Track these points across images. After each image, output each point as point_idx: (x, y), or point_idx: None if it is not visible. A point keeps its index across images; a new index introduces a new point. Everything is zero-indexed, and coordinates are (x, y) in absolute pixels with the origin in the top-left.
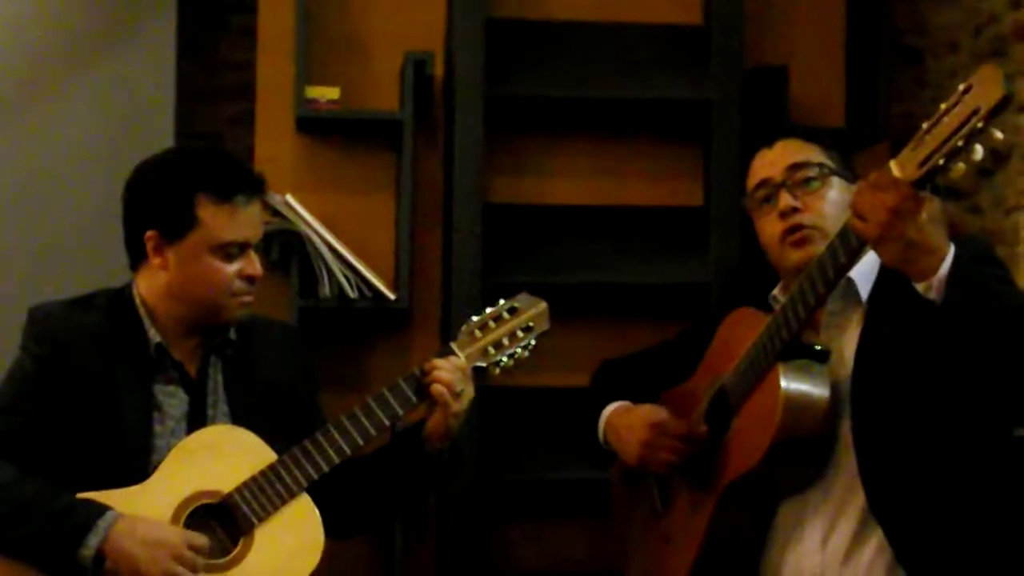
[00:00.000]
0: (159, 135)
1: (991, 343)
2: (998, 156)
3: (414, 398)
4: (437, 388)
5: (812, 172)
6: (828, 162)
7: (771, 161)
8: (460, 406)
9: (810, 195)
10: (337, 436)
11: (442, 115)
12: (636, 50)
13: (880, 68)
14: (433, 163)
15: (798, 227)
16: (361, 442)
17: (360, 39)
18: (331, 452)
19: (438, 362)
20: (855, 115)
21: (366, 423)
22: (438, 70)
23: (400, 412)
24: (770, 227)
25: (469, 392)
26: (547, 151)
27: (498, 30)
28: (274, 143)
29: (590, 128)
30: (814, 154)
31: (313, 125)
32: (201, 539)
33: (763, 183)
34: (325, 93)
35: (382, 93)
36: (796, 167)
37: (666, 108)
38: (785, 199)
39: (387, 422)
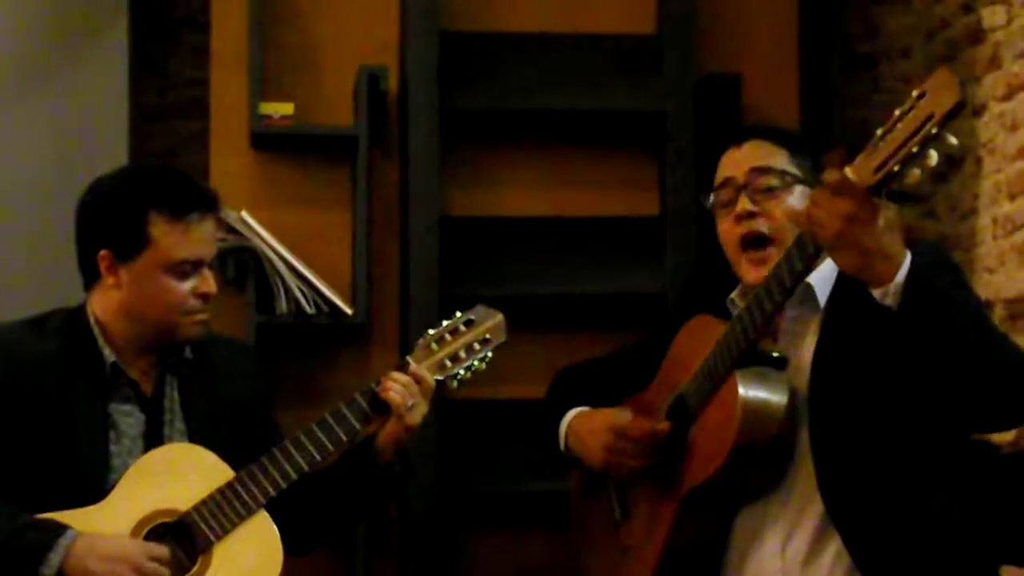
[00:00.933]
0: (113, 154)
1: (948, 349)
2: (952, 161)
3: (370, 412)
4: (392, 396)
5: (775, 180)
6: (793, 169)
7: (737, 161)
8: (413, 419)
9: (769, 201)
10: (294, 452)
11: (397, 129)
12: (589, 60)
13: (833, 74)
14: (388, 177)
15: (755, 236)
16: (319, 458)
17: (313, 54)
18: (288, 468)
19: (394, 374)
20: (809, 122)
21: (323, 439)
22: (392, 84)
23: (357, 427)
24: (727, 228)
25: (422, 407)
26: (502, 163)
27: (451, 43)
28: (229, 160)
29: (545, 139)
30: (780, 160)
31: (268, 141)
32: (161, 549)
33: (726, 182)
34: (279, 109)
35: (336, 108)
36: (759, 171)
37: (620, 118)
38: (743, 203)
39: (344, 438)
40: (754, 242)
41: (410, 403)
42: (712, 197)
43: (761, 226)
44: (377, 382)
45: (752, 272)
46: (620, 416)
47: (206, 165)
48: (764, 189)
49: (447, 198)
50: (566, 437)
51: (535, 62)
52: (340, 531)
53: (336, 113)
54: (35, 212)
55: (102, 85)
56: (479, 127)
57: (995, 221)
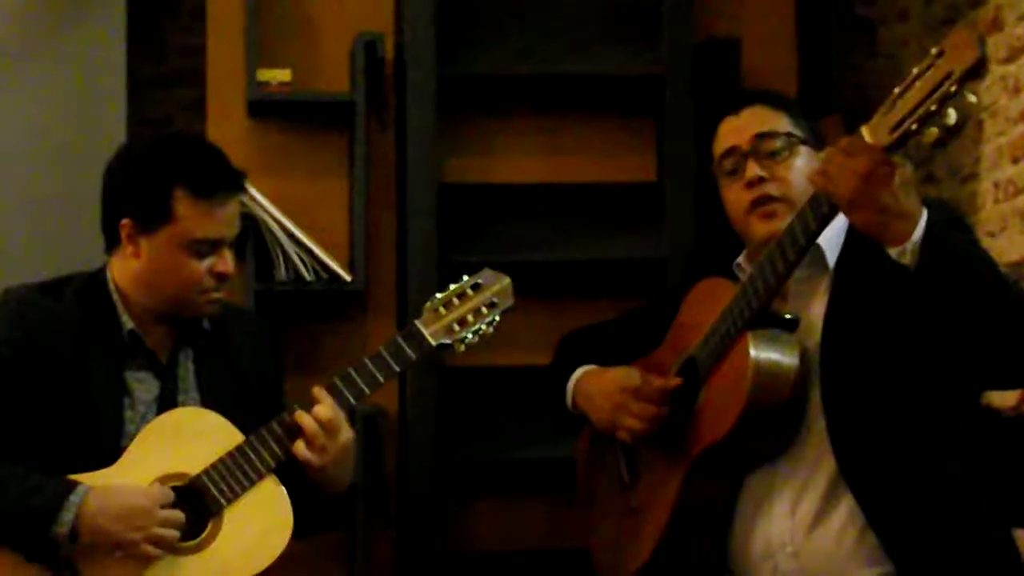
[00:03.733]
0: (111, 122)
1: (967, 305)
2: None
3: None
4: (298, 447)
5: (779, 142)
6: (796, 131)
7: (738, 129)
8: (322, 459)
9: (777, 165)
10: None
11: (394, 96)
12: (587, 25)
13: (832, 39)
14: (386, 144)
15: (765, 198)
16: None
17: (310, 21)
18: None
19: (300, 419)
20: (807, 86)
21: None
22: (389, 51)
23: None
24: (736, 196)
25: (339, 442)
26: (500, 130)
27: (448, 9)
28: (226, 127)
29: (543, 106)
30: (781, 123)
31: (265, 108)
32: (168, 493)
33: (730, 151)
34: (276, 76)
35: (333, 75)
36: (763, 136)
37: (618, 83)
38: (752, 169)
39: (352, 401)
40: (763, 203)
41: (320, 443)
42: (714, 168)
43: (772, 190)
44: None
45: (761, 226)
46: (630, 374)
47: (203, 133)
48: (770, 153)
49: (445, 165)
50: (574, 396)
51: (532, 27)
52: (324, 524)
53: (333, 80)
54: (35, 180)
55: (100, 54)
56: (476, 93)
57: (997, 185)
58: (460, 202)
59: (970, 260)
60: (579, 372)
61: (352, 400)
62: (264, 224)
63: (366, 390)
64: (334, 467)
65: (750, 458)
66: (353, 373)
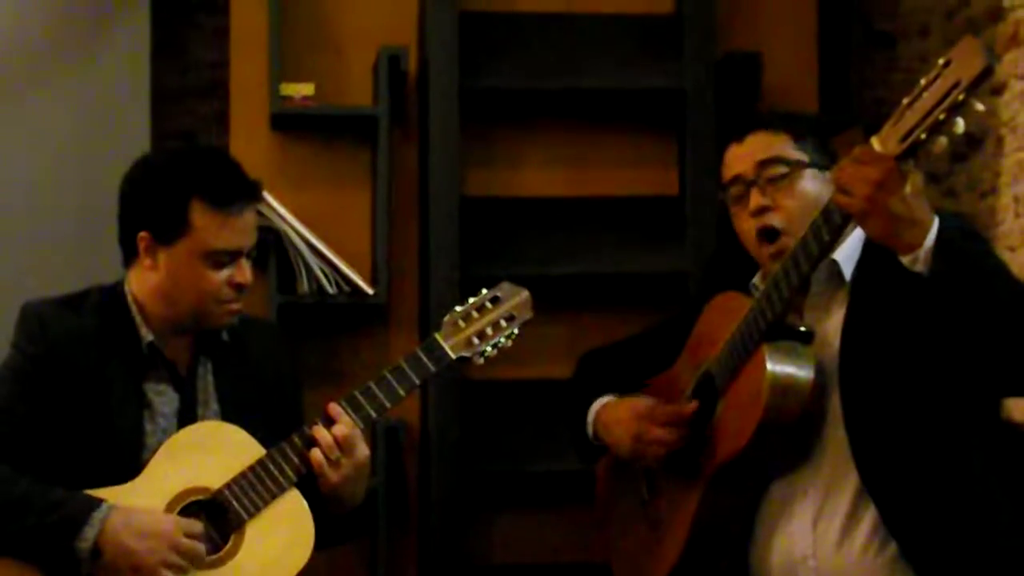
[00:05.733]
0: (135, 135)
1: (979, 312)
2: (972, 140)
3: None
4: (315, 456)
5: (782, 169)
6: (798, 155)
7: (741, 156)
8: (338, 475)
9: (780, 192)
10: None
11: (416, 109)
12: (609, 40)
13: (852, 53)
14: (409, 157)
15: (770, 231)
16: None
17: (333, 35)
18: None
19: (318, 433)
20: (828, 100)
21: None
22: (412, 65)
23: (388, 404)
24: (746, 224)
25: (355, 459)
26: (522, 143)
27: (471, 23)
28: (249, 141)
29: (565, 119)
30: (784, 147)
31: (288, 122)
32: (196, 525)
33: (735, 179)
34: (300, 90)
35: (356, 88)
36: (765, 163)
37: (640, 97)
38: (755, 198)
39: (373, 414)
40: (767, 235)
41: (335, 457)
42: (723, 195)
43: (773, 220)
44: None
45: (772, 264)
46: (645, 403)
47: (226, 147)
48: (773, 179)
49: (467, 178)
50: (594, 428)
51: (555, 41)
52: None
53: (356, 94)
54: (59, 193)
55: (124, 67)
56: (499, 107)
57: (1017, 199)
58: (482, 215)
59: (983, 266)
60: (597, 405)
61: (373, 414)
62: (287, 237)
63: (387, 403)
64: (347, 484)
65: (768, 471)
66: (374, 387)
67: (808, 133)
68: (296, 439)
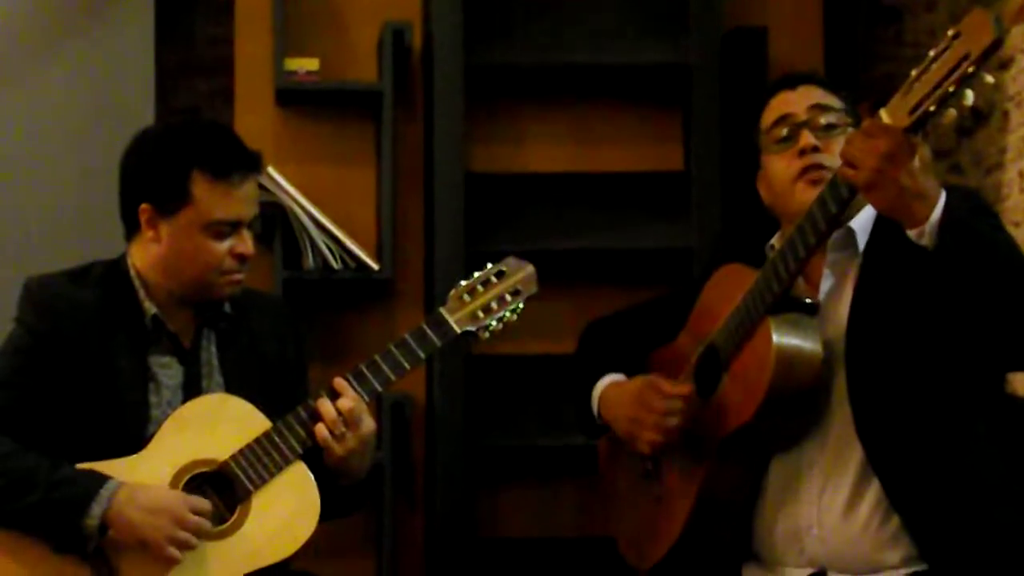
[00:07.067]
0: (139, 111)
1: (985, 286)
2: (978, 115)
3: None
4: (319, 430)
5: (835, 118)
6: (849, 111)
7: (793, 100)
8: (343, 448)
9: (831, 139)
10: None
11: (421, 85)
12: (614, 15)
13: (858, 28)
14: (413, 133)
15: (817, 166)
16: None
17: (338, 10)
18: None
19: (322, 406)
20: (833, 76)
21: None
22: (416, 40)
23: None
24: (786, 164)
25: (360, 434)
26: (527, 119)
27: None
28: (254, 116)
29: (570, 95)
30: (836, 102)
31: (293, 97)
32: (203, 503)
33: (784, 118)
34: (304, 64)
35: (361, 64)
36: (821, 108)
37: (645, 73)
38: (807, 137)
39: (379, 388)
40: (814, 171)
41: (340, 431)
42: (761, 137)
43: (824, 160)
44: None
45: (808, 191)
46: (646, 388)
47: (231, 122)
48: (825, 126)
49: (471, 154)
50: (599, 408)
51: (559, 16)
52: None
53: (361, 69)
54: (64, 168)
55: (128, 43)
56: (503, 83)
57: (1022, 175)
58: (487, 191)
59: (989, 241)
60: (602, 384)
61: (378, 387)
62: (292, 212)
63: (391, 376)
64: (353, 457)
65: (773, 443)
66: (379, 360)
67: (854, 102)
68: (301, 412)
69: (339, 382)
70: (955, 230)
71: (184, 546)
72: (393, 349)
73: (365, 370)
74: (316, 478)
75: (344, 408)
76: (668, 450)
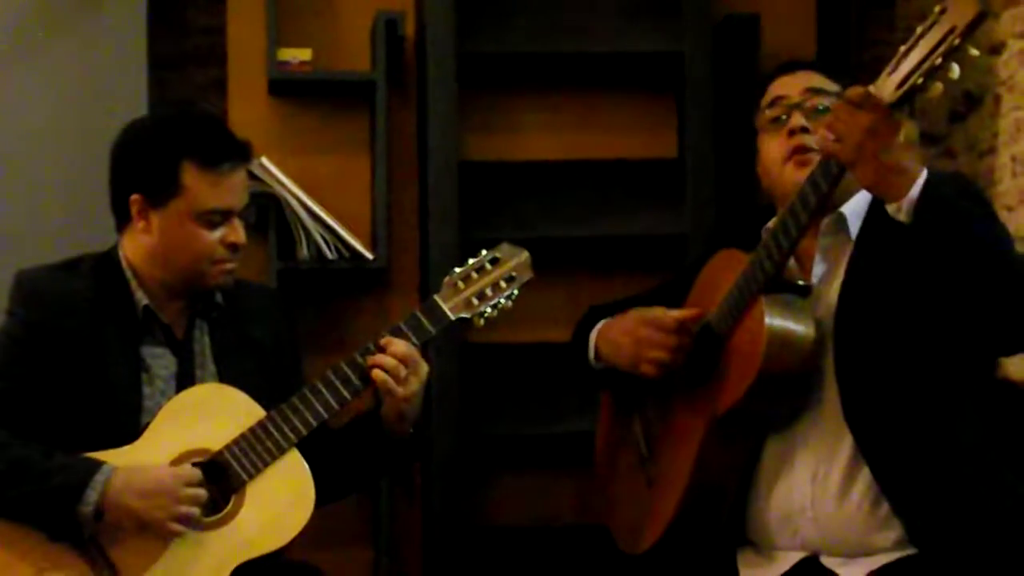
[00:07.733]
0: (132, 102)
1: (962, 263)
2: (971, 99)
3: (358, 383)
4: (378, 374)
5: (829, 101)
6: None
7: (789, 83)
8: (407, 390)
9: (822, 122)
10: (323, 389)
11: (414, 74)
12: (607, 3)
13: (851, 14)
14: (407, 122)
15: (804, 148)
16: (348, 396)
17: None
18: (319, 407)
19: (378, 358)
20: (828, 63)
21: (350, 374)
22: (409, 29)
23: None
24: (775, 145)
25: (420, 375)
26: (520, 107)
27: None
28: (247, 106)
29: (563, 83)
30: (833, 87)
31: (286, 87)
32: (195, 473)
33: (778, 100)
34: (297, 54)
35: (354, 53)
36: (814, 91)
37: (639, 60)
38: (796, 118)
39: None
40: (801, 152)
41: (403, 374)
42: (757, 117)
43: (811, 142)
44: (366, 349)
45: (796, 172)
46: (650, 308)
47: (224, 112)
48: (817, 109)
49: (465, 142)
50: (597, 348)
51: (552, 5)
52: (356, 488)
53: (354, 59)
54: (54, 159)
55: (120, 34)
56: (497, 71)
57: (1014, 159)
58: (481, 179)
59: (965, 217)
60: (599, 324)
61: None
62: (285, 203)
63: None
64: (414, 399)
65: (766, 423)
66: (373, 347)
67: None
68: (296, 401)
69: (385, 337)
70: (933, 205)
71: (185, 519)
72: (387, 336)
73: (359, 358)
74: (334, 458)
75: (400, 352)
76: (663, 432)
